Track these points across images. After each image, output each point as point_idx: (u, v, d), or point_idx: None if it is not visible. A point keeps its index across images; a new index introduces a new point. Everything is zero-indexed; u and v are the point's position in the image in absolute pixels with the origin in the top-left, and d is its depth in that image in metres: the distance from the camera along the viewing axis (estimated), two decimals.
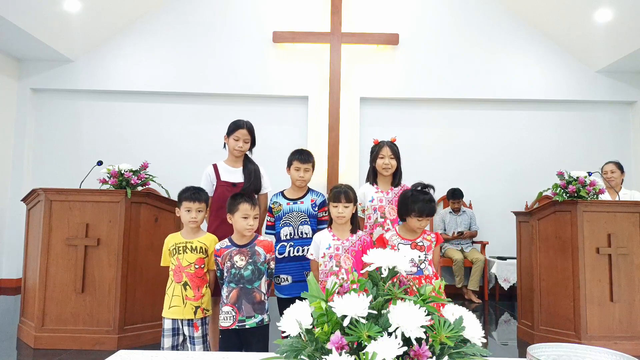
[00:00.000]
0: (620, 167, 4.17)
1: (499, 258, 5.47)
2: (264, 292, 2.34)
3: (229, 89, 6.00)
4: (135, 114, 6.07)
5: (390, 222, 2.87)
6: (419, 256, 2.51)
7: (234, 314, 2.27)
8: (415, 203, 2.49)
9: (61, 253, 3.40)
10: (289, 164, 2.91)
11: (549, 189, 3.66)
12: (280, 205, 2.87)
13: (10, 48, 5.55)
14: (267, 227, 2.93)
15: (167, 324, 2.46)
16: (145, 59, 6.02)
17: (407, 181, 6.74)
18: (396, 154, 2.98)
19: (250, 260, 2.32)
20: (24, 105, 5.94)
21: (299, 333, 0.85)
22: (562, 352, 1.07)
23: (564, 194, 3.52)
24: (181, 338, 2.49)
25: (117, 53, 6.00)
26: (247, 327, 2.27)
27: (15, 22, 4.77)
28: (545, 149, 6.04)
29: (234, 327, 2.27)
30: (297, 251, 2.79)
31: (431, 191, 2.56)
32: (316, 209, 2.89)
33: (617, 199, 3.86)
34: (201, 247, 2.54)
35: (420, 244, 2.54)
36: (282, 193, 2.94)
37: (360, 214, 2.95)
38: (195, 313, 2.46)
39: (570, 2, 5.34)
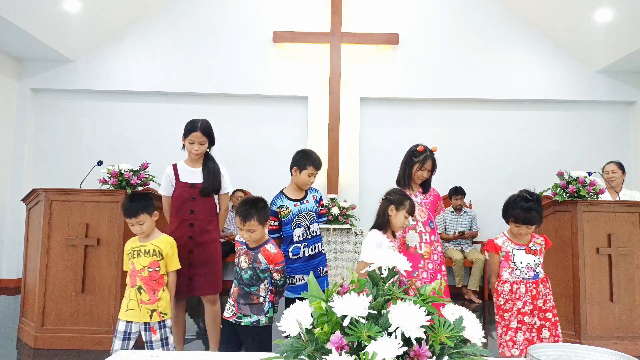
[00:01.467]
0: (621, 167, 4.17)
1: None
2: (263, 295, 2.33)
3: (229, 89, 6.00)
4: (135, 114, 6.07)
5: (422, 225, 2.88)
6: (534, 260, 2.52)
7: (234, 309, 2.33)
8: (514, 209, 2.49)
9: (61, 253, 3.40)
10: (302, 167, 2.85)
11: (549, 189, 3.66)
12: (288, 208, 2.86)
13: (10, 48, 5.55)
14: (270, 232, 2.89)
15: (121, 326, 2.46)
16: (145, 59, 6.02)
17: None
18: (434, 167, 3.01)
19: (250, 265, 2.31)
20: (24, 105, 5.94)
21: (299, 333, 0.85)
22: (562, 352, 1.07)
23: (564, 194, 3.52)
24: (132, 343, 2.46)
25: (117, 53, 6.00)
26: (242, 324, 2.30)
27: (15, 22, 4.77)
28: (545, 149, 6.03)
29: (231, 320, 2.32)
30: (311, 250, 2.85)
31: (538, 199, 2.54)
32: (317, 205, 2.95)
33: (617, 199, 3.86)
34: (154, 250, 2.50)
35: (533, 248, 2.55)
36: (284, 195, 2.92)
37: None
38: (151, 317, 2.44)
39: (570, 3, 5.34)
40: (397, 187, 2.76)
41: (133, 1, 5.77)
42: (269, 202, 2.96)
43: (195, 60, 6.01)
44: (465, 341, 0.85)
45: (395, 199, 2.61)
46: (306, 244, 2.83)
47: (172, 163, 3.04)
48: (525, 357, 2.34)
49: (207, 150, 3.03)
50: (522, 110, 6.13)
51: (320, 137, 5.91)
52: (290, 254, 2.83)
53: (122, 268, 3.31)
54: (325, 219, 3.08)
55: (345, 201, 5.55)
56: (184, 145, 2.99)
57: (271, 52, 6.03)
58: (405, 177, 3.00)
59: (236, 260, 2.38)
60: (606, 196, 3.63)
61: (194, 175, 2.97)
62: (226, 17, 6.07)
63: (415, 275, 2.79)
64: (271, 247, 2.36)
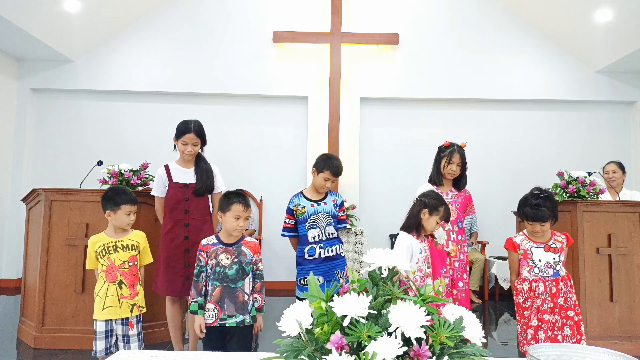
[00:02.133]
0: (621, 167, 4.17)
1: (499, 258, 5.46)
2: (248, 292, 2.33)
3: (229, 89, 6.00)
4: (135, 114, 6.07)
5: (450, 223, 2.86)
6: (554, 258, 2.52)
7: (216, 311, 2.28)
8: (524, 206, 2.52)
9: (61, 253, 3.40)
10: (319, 170, 2.86)
11: (549, 189, 3.66)
12: (304, 207, 2.87)
13: (10, 48, 5.55)
14: (285, 230, 2.92)
15: (100, 327, 2.44)
16: (145, 59, 6.02)
17: (405, 181, 6.71)
18: (464, 162, 2.98)
19: (235, 260, 2.31)
20: (24, 105, 5.94)
21: (299, 333, 0.85)
22: (562, 352, 1.07)
23: (564, 194, 3.52)
24: (114, 339, 2.47)
25: (117, 53, 6.00)
26: (227, 325, 2.27)
27: (15, 22, 4.77)
28: (545, 149, 6.04)
29: (215, 324, 2.28)
30: (328, 252, 2.83)
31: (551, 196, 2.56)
32: (337, 209, 2.92)
33: (617, 199, 3.86)
34: (133, 245, 2.53)
35: (553, 246, 2.55)
36: (302, 194, 2.93)
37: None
38: (131, 311, 2.46)
39: (570, 3, 5.34)
40: (433, 190, 2.66)
41: (133, 1, 5.77)
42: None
43: (196, 60, 6.01)
44: (465, 341, 0.85)
45: (430, 203, 2.51)
46: (322, 245, 2.83)
47: (164, 164, 3.04)
48: None
49: (200, 150, 3.03)
50: (522, 110, 6.13)
51: (320, 137, 5.91)
52: (306, 254, 2.83)
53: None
54: (345, 225, 3.01)
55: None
56: (175, 146, 2.98)
57: (271, 52, 6.03)
58: (436, 174, 3.00)
59: (212, 262, 2.32)
60: (606, 196, 3.63)
61: (186, 175, 2.97)
62: (226, 17, 6.07)
63: (443, 272, 2.77)
64: (251, 238, 2.44)
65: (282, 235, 2.97)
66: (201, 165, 3.00)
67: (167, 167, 3.01)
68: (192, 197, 2.93)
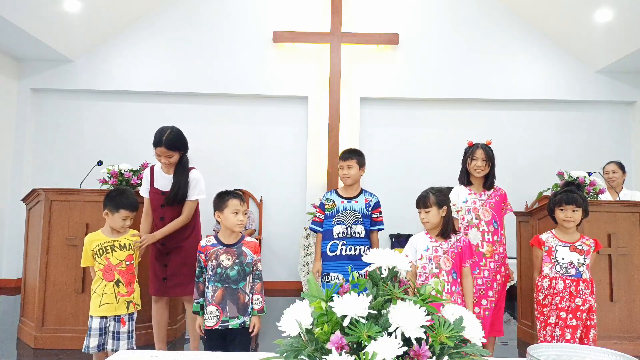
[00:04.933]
0: (622, 167, 4.16)
1: None
2: (248, 293, 2.32)
3: (229, 89, 6.00)
4: (135, 114, 6.07)
5: (485, 224, 2.84)
6: (578, 259, 2.54)
7: (217, 313, 2.26)
8: (557, 195, 2.61)
9: (61, 253, 3.41)
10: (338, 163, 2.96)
11: (549, 189, 3.66)
12: (333, 202, 2.87)
13: (10, 48, 5.55)
14: (313, 223, 2.93)
15: (95, 323, 2.49)
16: (145, 59, 6.02)
17: (405, 181, 6.69)
18: (490, 157, 3.00)
19: (236, 261, 2.29)
20: (24, 105, 5.94)
21: (299, 333, 0.85)
22: (562, 352, 1.07)
23: None
24: (106, 336, 2.52)
25: (117, 53, 6.00)
26: (230, 327, 2.26)
27: (15, 22, 4.77)
28: (545, 149, 6.03)
29: (217, 327, 2.26)
30: (350, 250, 2.80)
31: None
32: (370, 209, 2.88)
33: (617, 199, 3.86)
34: (130, 244, 2.59)
35: (580, 247, 2.56)
36: (336, 191, 2.96)
37: (454, 214, 2.88)
38: (127, 308, 2.52)
39: (570, 2, 5.34)
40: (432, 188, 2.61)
41: (133, 1, 5.77)
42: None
43: (196, 61, 6.01)
44: (465, 341, 0.85)
45: (437, 201, 2.47)
46: (345, 242, 2.79)
47: (151, 165, 3.02)
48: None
49: (186, 155, 2.95)
50: (522, 110, 6.13)
51: (320, 137, 5.91)
52: (327, 250, 2.81)
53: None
54: (381, 227, 2.94)
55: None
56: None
57: (271, 52, 6.03)
58: (462, 175, 3.02)
59: (213, 263, 2.29)
60: (606, 196, 3.62)
61: (166, 181, 2.93)
62: (226, 17, 6.07)
63: (476, 272, 2.75)
64: (250, 238, 2.43)
65: (310, 228, 3.01)
66: (178, 174, 2.90)
67: (152, 170, 2.99)
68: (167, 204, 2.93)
